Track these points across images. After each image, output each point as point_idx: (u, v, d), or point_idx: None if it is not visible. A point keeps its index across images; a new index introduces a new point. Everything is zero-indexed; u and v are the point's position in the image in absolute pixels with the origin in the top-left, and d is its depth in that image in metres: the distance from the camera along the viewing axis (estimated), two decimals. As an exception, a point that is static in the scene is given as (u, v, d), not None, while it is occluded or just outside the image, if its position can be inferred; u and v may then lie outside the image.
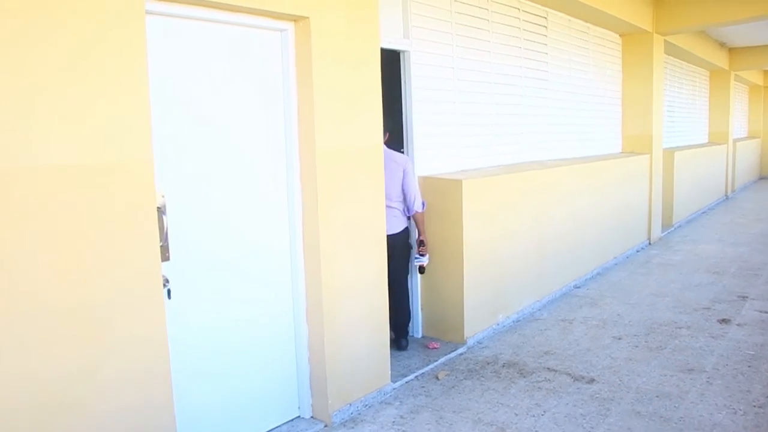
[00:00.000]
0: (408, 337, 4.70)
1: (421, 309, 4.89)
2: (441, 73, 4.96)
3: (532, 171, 5.62)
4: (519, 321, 5.29)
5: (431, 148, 4.88)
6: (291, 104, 3.37)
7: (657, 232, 8.89)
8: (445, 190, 4.66)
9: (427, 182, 4.74)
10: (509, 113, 5.85)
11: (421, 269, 4.65)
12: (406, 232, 4.53)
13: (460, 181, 4.54)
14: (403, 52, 4.62)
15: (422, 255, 4.58)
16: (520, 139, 6.07)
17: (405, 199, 4.45)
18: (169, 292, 2.86)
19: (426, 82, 4.81)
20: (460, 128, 5.18)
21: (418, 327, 4.90)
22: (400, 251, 4.52)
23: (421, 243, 4.56)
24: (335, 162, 3.45)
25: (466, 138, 5.27)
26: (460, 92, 5.17)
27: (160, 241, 2.79)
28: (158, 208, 2.78)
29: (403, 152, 4.73)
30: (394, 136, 4.71)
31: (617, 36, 8.26)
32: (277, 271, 3.43)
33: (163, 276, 2.80)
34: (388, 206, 4.40)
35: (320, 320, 3.43)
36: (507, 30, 5.72)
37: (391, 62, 4.66)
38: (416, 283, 4.84)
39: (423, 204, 4.50)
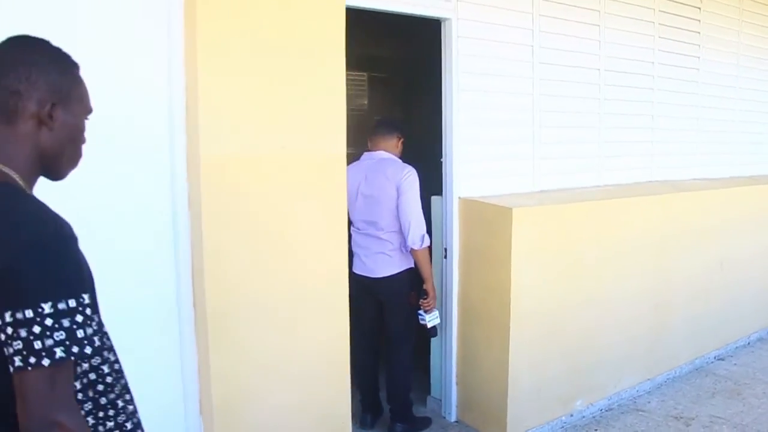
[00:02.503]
0: (411, 420, 3.34)
1: (456, 383, 3.50)
2: (509, 53, 3.51)
3: (652, 196, 3.95)
4: (609, 411, 3.69)
5: (482, 159, 3.46)
6: (177, 83, 2.23)
7: None
8: (489, 220, 3.24)
9: (467, 207, 3.34)
10: (627, 113, 4.19)
11: (431, 331, 3.27)
12: (404, 275, 3.19)
13: (510, 209, 3.09)
14: (444, 20, 3.26)
15: (426, 311, 3.20)
16: (644, 149, 4.37)
17: (401, 229, 3.12)
18: None
19: (480, 65, 3.39)
20: (537, 131, 3.68)
21: (450, 407, 3.52)
22: (396, 302, 3.20)
23: (424, 293, 3.19)
24: (238, 178, 2.26)
25: (549, 146, 3.75)
26: (541, 80, 3.66)
27: None
28: None
29: (442, 162, 3.38)
30: (423, 141, 3.41)
31: (822, 12, 6.04)
32: (159, 342, 2.31)
33: None
34: (376, 237, 3.12)
35: (210, 420, 2.26)
36: (631, -3, 4.09)
37: (425, 34, 3.36)
38: (451, 344, 3.47)
39: (422, 238, 3.11)
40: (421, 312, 3.18)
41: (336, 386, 2.57)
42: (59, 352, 0.98)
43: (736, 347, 4.69)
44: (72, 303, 1.00)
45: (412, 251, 3.09)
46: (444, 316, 3.48)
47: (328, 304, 2.54)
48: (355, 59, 8.68)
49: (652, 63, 4.31)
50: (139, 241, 2.26)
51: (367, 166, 3.20)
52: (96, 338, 1.04)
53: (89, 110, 1.23)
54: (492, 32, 3.42)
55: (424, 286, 3.14)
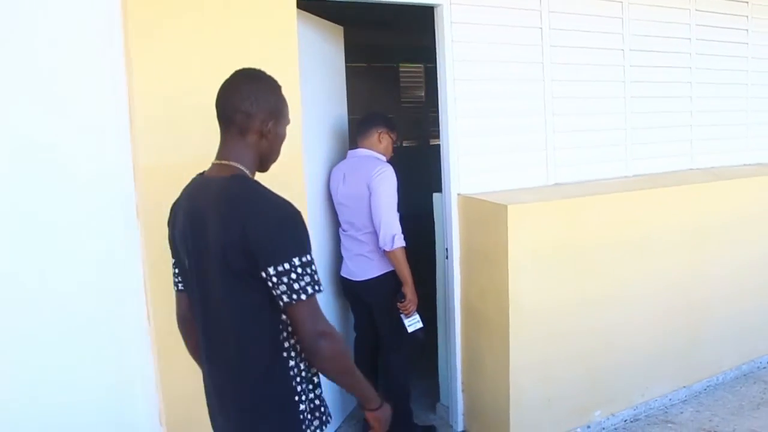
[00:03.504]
0: (411, 430, 3.20)
1: (462, 390, 3.31)
2: (514, 37, 3.26)
3: (685, 186, 3.59)
4: (635, 422, 3.38)
5: (485, 152, 3.23)
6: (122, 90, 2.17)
7: None
8: (486, 218, 3.02)
9: (466, 205, 3.14)
10: (660, 96, 3.83)
11: (413, 336, 3.04)
12: (388, 278, 2.99)
13: (505, 206, 2.86)
14: (436, 6, 3.06)
15: (407, 315, 3.00)
16: (682, 135, 3.98)
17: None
18: None
19: (479, 52, 3.17)
20: (550, 119, 3.41)
21: (457, 415, 3.33)
22: (382, 306, 3.02)
23: (402, 296, 2.96)
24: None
25: (565, 135, 3.47)
26: (553, 65, 3.39)
27: None
28: None
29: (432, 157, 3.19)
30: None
31: None
32: (119, 353, 2.26)
33: None
34: (356, 239, 2.97)
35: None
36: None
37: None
38: (455, 349, 3.27)
39: (393, 239, 2.88)
40: (402, 315, 3.00)
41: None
42: (309, 289, 1.42)
43: (794, 350, 4.22)
44: (308, 257, 1.43)
45: (386, 253, 2.91)
46: (447, 320, 3.30)
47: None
48: (411, 51, 8.44)
49: (689, 39, 3.92)
50: (93, 250, 2.22)
51: (347, 164, 3.05)
52: (320, 280, 1.47)
53: (289, 121, 1.66)
54: (491, 16, 3.18)
55: (403, 289, 2.95)
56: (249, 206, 1.44)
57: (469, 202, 3.10)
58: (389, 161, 3.17)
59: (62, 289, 2.17)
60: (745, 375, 3.89)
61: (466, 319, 3.21)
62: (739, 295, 3.84)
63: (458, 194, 3.15)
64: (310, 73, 2.94)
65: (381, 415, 1.63)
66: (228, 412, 1.56)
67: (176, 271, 1.68)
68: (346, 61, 3.65)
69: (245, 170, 1.54)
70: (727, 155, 4.20)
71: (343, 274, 3.09)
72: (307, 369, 1.54)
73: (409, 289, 2.93)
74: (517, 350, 2.95)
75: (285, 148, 2.38)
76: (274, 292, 1.42)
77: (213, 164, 1.58)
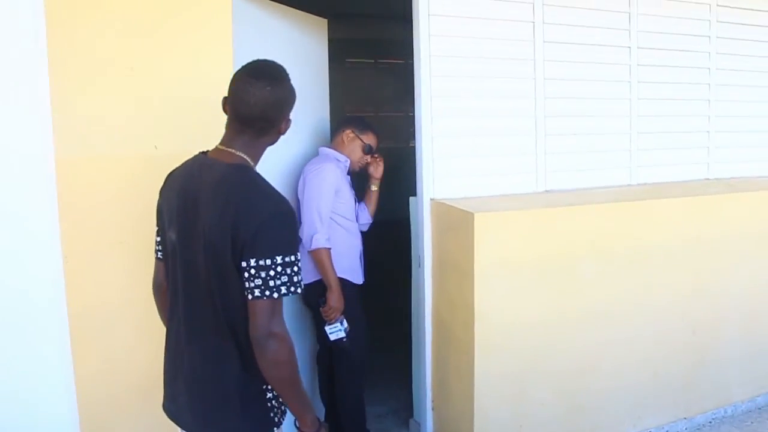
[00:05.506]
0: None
1: (432, 408, 3.09)
2: (500, 32, 3.03)
3: (692, 198, 3.27)
4: (621, 453, 3.10)
5: (463, 154, 3.02)
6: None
7: None
8: (454, 226, 2.79)
9: (437, 211, 2.92)
10: (673, 98, 3.52)
11: (338, 344, 2.81)
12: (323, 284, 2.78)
13: (472, 213, 2.63)
14: (412, -4, 2.87)
15: (328, 322, 2.78)
16: (698, 141, 3.66)
17: None
18: None
19: (460, 47, 2.96)
20: (542, 121, 3.16)
21: (426, 433, 3.12)
22: (318, 312, 2.82)
23: (324, 302, 2.76)
24: (101, 179, 2.05)
25: (559, 139, 3.22)
26: (546, 62, 3.14)
27: None
28: None
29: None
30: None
31: None
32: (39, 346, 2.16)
33: None
34: (300, 240, 2.79)
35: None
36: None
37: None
38: (425, 365, 3.06)
39: (311, 238, 2.69)
40: (325, 322, 2.78)
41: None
42: (283, 289, 1.45)
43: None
44: (291, 258, 1.46)
45: (309, 253, 2.73)
46: (418, 332, 3.09)
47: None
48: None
49: (709, 38, 3.59)
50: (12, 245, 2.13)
51: (309, 164, 2.89)
52: (301, 283, 1.50)
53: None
54: (476, 9, 2.96)
55: (326, 294, 2.74)
56: (246, 196, 1.48)
57: (440, 208, 2.89)
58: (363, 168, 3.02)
59: None
60: (759, 408, 3.53)
61: (437, 332, 2.99)
62: (755, 320, 3.48)
63: (431, 199, 2.94)
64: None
65: None
66: (197, 391, 1.56)
67: (158, 239, 1.71)
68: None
69: (250, 161, 1.58)
70: (748, 165, 3.83)
71: (302, 278, 2.93)
72: None
73: (332, 295, 2.72)
74: (484, 370, 2.71)
75: (211, 145, 2.25)
76: (247, 284, 1.44)
77: (218, 148, 1.60)
